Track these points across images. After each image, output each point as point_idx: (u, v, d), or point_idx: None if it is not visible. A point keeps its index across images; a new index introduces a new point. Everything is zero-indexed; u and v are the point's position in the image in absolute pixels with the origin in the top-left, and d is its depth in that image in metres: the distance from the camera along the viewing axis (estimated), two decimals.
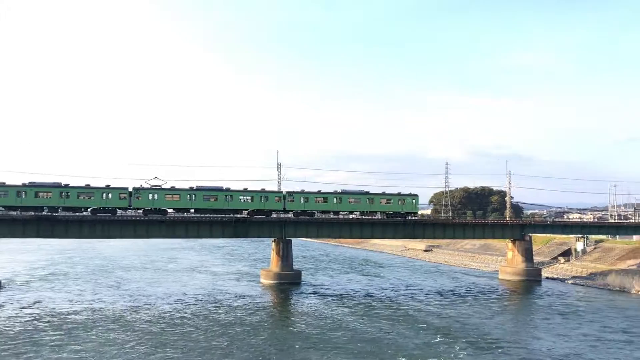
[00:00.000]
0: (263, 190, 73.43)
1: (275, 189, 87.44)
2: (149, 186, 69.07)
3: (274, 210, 73.32)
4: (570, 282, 75.07)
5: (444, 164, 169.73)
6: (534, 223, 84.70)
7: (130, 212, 68.21)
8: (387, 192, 78.06)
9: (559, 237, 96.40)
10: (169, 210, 69.90)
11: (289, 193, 73.93)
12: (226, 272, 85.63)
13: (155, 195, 67.63)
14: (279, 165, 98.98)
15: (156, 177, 71.75)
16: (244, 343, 39.73)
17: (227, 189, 71.41)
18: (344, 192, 77.03)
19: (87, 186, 66.47)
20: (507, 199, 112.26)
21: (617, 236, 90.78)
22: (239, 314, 50.53)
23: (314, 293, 64.36)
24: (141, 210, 67.63)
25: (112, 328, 44.07)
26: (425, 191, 79.75)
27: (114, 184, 67.76)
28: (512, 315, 53.12)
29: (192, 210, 70.72)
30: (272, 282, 71.81)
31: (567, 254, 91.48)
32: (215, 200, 69.96)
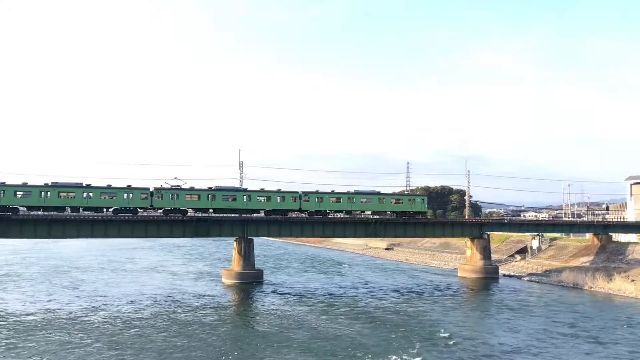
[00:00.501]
0: (279, 191, 74.42)
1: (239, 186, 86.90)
2: (169, 186, 69.77)
3: (290, 210, 74.03)
4: (526, 279, 77.07)
5: (405, 164, 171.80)
6: (492, 221, 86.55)
7: (86, 212, 66.79)
8: (396, 193, 79.60)
9: (515, 235, 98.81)
10: (189, 211, 70.40)
11: (305, 193, 75.10)
12: (186, 271, 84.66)
13: (176, 196, 68.27)
14: (241, 164, 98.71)
15: (176, 178, 72.53)
16: (202, 342, 39.38)
17: (245, 189, 73.18)
18: (357, 192, 78.71)
19: (109, 186, 66.80)
20: (466, 198, 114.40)
21: (571, 234, 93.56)
22: (198, 314, 50.03)
23: (276, 292, 64.28)
24: (161, 210, 68.43)
25: (68, 329, 43.05)
26: (387, 190, 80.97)
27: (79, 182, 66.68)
28: (468, 311, 54.20)
29: (212, 211, 71.09)
30: (233, 281, 71.38)
31: (523, 251, 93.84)
32: (234, 200, 70.82)
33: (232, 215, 71.47)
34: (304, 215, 74.84)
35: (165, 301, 56.75)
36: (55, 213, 64.44)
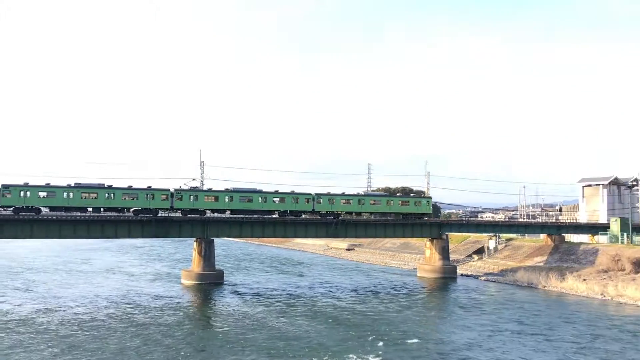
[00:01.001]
0: (293, 193, 75.50)
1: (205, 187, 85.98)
2: (188, 188, 71.16)
3: (303, 212, 75.54)
4: (483, 278, 78.73)
5: (366, 164, 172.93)
6: (451, 222, 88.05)
7: (47, 212, 65.01)
8: (403, 195, 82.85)
9: (473, 236, 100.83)
10: (207, 212, 71.42)
11: (318, 195, 76.33)
12: (144, 272, 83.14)
13: (195, 197, 69.36)
14: (202, 164, 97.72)
15: (194, 179, 73.40)
16: (159, 344, 38.74)
17: (260, 191, 73.91)
18: (367, 195, 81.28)
19: (130, 187, 67.42)
20: None
21: (526, 235, 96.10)
22: (156, 315, 49.19)
23: (236, 293, 63.79)
24: (179, 212, 69.71)
25: (20, 331, 41.75)
26: (348, 191, 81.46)
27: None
28: (425, 310, 55.09)
29: (229, 212, 72.15)
30: (193, 282, 70.47)
31: (480, 251, 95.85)
32: (250, 201, 71.81)
33: (192, 215, 70.75)
34: (317, 216, 76.71)
35: (122, 303, 55.58)
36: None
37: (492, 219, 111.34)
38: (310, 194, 75.99)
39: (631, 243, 78.62)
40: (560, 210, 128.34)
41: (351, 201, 77.54)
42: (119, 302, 55.65)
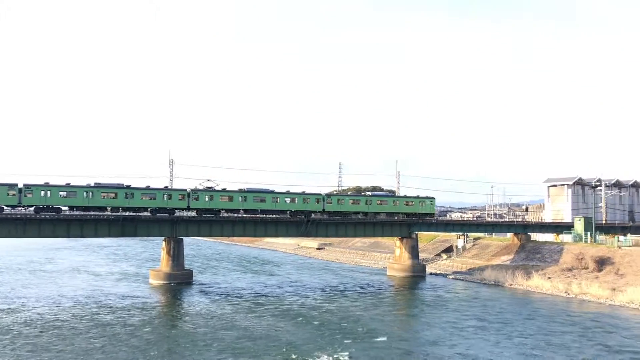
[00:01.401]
0: (304, 193, 77.52)
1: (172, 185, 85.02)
2: (204, 188, 72.69)
3: (313, 212, 76.99)
4: (451, 277, 79.74)
5: (337, 164, 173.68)
6: (420, 221, 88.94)
7: (9, 210, 63.41)
8: (408, 195, 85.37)
9: (442, 235, 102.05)
10: (222, 211, 72.62)
11: (328, 195, 78.97)
12: (110, 272, 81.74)
13: (211, 197, 70.98)
14: (171, 162, 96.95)
15: (209, 180, 75.19)
16: (125, 344, 38.12)
17: (273, 191, 75.85)
18: (374, 195, 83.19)
19: (148, 187, 68.97)
20: None
21: (494, 234, 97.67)
22: (122, 315, 48.36)
23: (205, 292, 63.22)
24: (195, 211, 71.40)
25: None
26: (319, 190, 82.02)
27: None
28: (394, 308, 55.56)
29: (242, 211, 73.80)
30: (161, 282, 69.55)
31: (449, 250, 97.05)
32: (263, 201, 73.36)
33: (161, 214, 69.87)
34: (326, 216, 78.08)
35: (87, 303, 54.51)
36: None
37: (460, 219, 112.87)
38: (320, 195, 78.18)
39: (594, 242, 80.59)
40: (527, 209, 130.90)
41: (360, 201, 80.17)
42: (84, 302, 54.55)
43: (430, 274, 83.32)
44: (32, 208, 63.51)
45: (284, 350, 37.02)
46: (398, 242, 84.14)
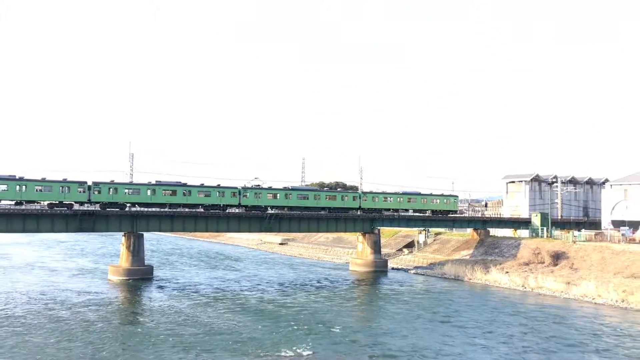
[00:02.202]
0: (342, 190, 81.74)
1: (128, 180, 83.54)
2: (251, 186, 77.19)
3: (350, 209, 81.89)
4: (412, 271, 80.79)
5: (301, 159, 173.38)
6: (382, 217, 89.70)
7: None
8: (434, 194, 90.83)
9: (404, 230, 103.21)
10: (268, 208, 76.54)
11: (364, 193, 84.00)
12: (67, 268, 79.77)
13: (259, 194, 74.91)
14: (131, 156, 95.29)
15: (257, 178, 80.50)
16: (81, 340, 37.33)
17: (315, 189, 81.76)
18: (405, 193, 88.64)
19: (202, 185, 73.50)
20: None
21: (454, 229, 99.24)
22: (79, 311, 47.30)
23: (165, 288, 62.38)
24: (244, 208, 74.93)
25: None
26: (284, 185, 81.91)
27: None
28: (352, 302, 56.05)
29: (286, 209, 77.68)
30: (121, 278, 68.27)
31: (411, 245, 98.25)
32: (306, 199, 78.04)
33: (119, 209, 68.47)
34: (359, 213, 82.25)
35: (42, 298, 53.09)
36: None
37: (422, 214, 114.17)
38: (357, 192, 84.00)
39: (550, 237, 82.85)
40: (486, 205, 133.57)
41: (391, 199, 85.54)
42: (39, 298, 53.10)
43: (392, 268, 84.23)
44: (98, 205, 66.82)
45: (245, 345, 36.89)
46: (360, 238, 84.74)
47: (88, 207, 67.31)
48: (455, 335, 41.08)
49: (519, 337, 40.60)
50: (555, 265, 67.99)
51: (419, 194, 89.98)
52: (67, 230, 67.55)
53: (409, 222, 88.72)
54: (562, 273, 64.67)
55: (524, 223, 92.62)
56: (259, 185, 78.21)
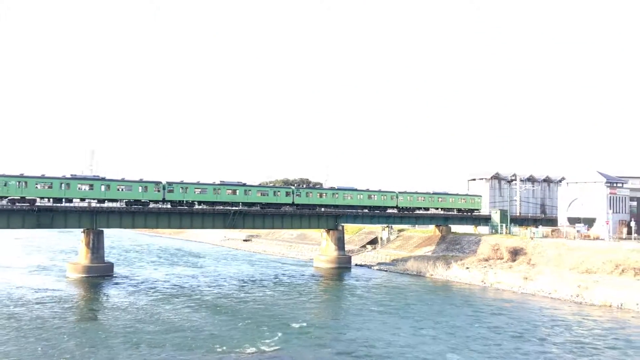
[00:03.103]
0: (380, 191, 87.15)
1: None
2: (302, 186, 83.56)
3: (389, 207, 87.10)
4: (375, 268, 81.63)
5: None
6: (347, 214, 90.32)
7: None
8: (460, 193, 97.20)
9: (368, 227, 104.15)
10: (318, 207, 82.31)
11: (400, 193, 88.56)
12: (24, 265, 77.64)
13: (310, 194, 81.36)
14: (92, 152, 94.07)
15: (307, 179, 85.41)
16: (37, 337, 36.47)
17: (355, 189, 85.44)
18: (435, 193, 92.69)
19: (261, 185, 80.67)
20: None
21: (417, 225, 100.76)
22: (35, 308, 46.17)
23: (126, 285, 61.42)
24: (296, 206, 79.99)
25: None
26: (246, 181, 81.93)
27: None
28: (314, 298, 56.32)
29: (333, 207, 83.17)
30: (80, 275, 66.82)
31: (374, 242, 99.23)
32: (351, 198, 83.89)
33: (79, 205, 67.06)
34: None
35: None
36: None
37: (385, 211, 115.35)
38: (394, 192, 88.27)
39: (509, 233, 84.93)
40: None
41: (425, 199, 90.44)
42: None
43: (356, 265, 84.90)
44: (169, 204, 71.24)
45: (207, 342, 36.67)
46: (324, 234, 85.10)
47: (161, 206, 71.79)
48: (406, 327, 42.46)
49: (465, 328, 42.26)
50: (514, 261, 69.75)
51: (449, 194, 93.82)
52: (24, 227, 65.77)
53: (372, 218, 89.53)
54: (520, 268, 66.38)
55: (484, 220, 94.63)
56: (309, 185, 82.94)
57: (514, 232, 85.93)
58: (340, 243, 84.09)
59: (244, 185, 77.17)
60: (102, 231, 69.68)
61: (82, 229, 69.42)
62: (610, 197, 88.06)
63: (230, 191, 74.92)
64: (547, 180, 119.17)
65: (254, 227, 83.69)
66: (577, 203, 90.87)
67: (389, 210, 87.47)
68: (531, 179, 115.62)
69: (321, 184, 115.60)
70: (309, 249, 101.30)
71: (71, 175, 67.68)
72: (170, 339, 37.22)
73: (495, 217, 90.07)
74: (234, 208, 75.27)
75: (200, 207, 73.48)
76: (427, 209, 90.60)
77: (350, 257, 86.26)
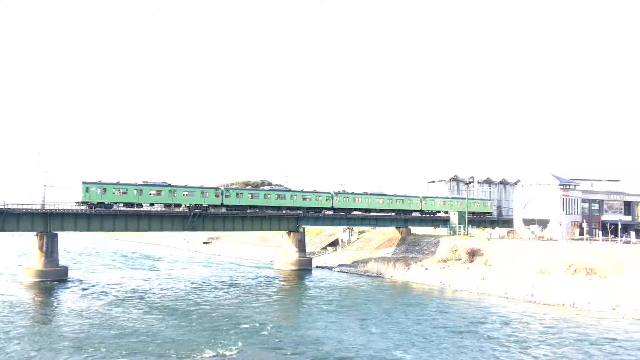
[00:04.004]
0: (405, 196, 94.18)
1: None
2: (341, 191, 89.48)
3: (414, 211, 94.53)
4: (336, 269, 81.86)
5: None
6: (308, 215, 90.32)
7: None
8: (473, 197, 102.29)
9: (329, 229, 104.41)
10: (355, 211, 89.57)
11: (424, 197, 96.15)
12: None
13: (347, 198, 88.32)
14: (39, 152, 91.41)
15: (342, 184, 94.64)
16: None
17: (390, 195, 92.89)
18: (453, 197, 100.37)
19: (302, 190, 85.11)
20: None
21: (377, 227, 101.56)
22: None
23: (81, 290, 59.84)
24: (333, 211, 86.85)
25: None
26: (207, 183, 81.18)
27: None
28: (270, 300, 56.24)
29: (359, 211, 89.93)
30: (34, 279, 64.84)
31: (335, 244, 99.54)
32: (382, 202, 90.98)
33: (33, 207, 65.09)
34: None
35: None
36: None
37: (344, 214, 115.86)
38: (418, 197, 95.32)
39: (467, 235, 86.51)
40: None
41: (444, 202, 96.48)
42: None
43: (317, 267, 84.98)
44: (224, 208, 76.56)
45: (165, 346, 36.08)
46: (285, 236, 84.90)
47: (220, 210, 76.79)
48: (356, 326, 43.17)
49: (413, 326, 43.43)
50: (472, 261, 71.09)
51: (462, 198, 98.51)
52: None
53: (333, 220, 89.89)
54: (478, 269, 67.71)
55: (443, 221, 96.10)
56: (344, 191, 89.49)
57: (472, 233, 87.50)
58: (301, 245, 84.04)
59: (289, 190, 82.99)
60: (56, 234, 67.74)
61: (35, 232, 67.32)
62: (563, 198, 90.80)
63: (281, 196, 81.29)
64: (504, 183, 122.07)
65: (214, 229, 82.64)
66: (531, 205, 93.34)
67: (326, 212, 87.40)
68: (488, 181, 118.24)
69: (282, 185, 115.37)
70: (270, 251, 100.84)
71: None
72: (124, 344, 36.44)
73: (454, 219, 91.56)
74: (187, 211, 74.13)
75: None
76: (446, 212, 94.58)
77: (311, 259, 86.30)
